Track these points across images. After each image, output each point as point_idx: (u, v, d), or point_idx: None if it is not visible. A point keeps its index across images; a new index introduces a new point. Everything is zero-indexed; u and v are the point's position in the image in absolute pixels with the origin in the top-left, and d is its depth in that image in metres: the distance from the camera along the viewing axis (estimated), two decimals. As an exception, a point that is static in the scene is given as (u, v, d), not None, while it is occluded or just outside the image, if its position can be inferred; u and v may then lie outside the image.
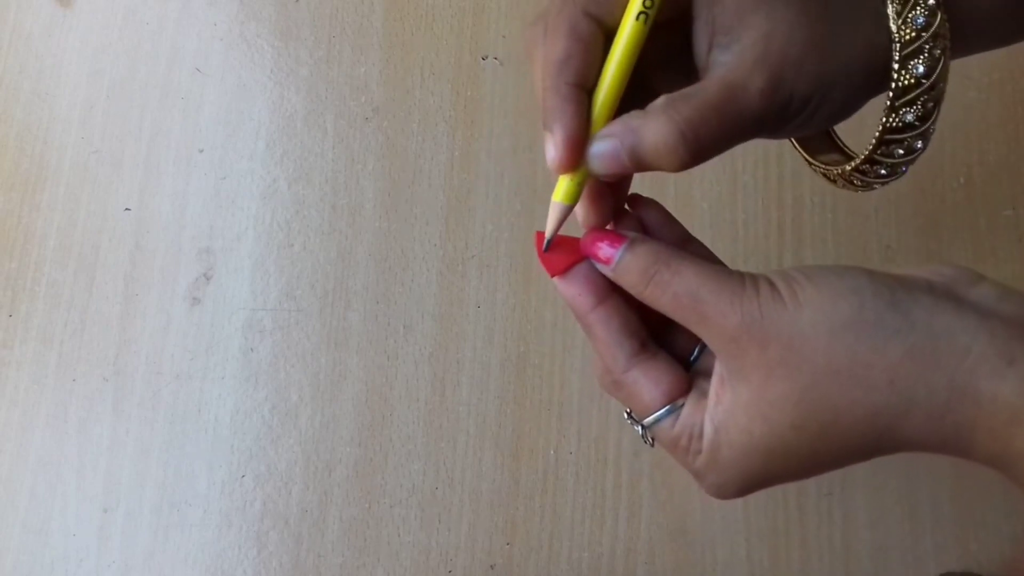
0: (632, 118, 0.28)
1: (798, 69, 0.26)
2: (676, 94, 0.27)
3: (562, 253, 0.29)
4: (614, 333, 0.28)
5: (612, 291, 0.29)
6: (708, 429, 0.27)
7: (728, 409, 0.26)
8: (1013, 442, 0.22)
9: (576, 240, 0.30)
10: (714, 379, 0.27)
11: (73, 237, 0.54)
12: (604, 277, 0.29)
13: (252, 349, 0.51)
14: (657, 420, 0.28)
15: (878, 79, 0.28)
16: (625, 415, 0.30)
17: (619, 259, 0.28)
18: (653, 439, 0.29)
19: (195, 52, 0.57)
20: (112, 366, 0.51)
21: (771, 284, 0.25)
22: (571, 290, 0.29)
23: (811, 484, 0.46)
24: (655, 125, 0.27)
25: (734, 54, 0.26)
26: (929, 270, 0.26)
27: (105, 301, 0.52)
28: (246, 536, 0.48)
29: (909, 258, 0.50)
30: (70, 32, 0.58)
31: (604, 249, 0.28)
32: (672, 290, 0.26)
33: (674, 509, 0.46)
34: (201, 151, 0.55)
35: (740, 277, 0.26)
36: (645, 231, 0.30)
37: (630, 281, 0.27)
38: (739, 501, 0.46)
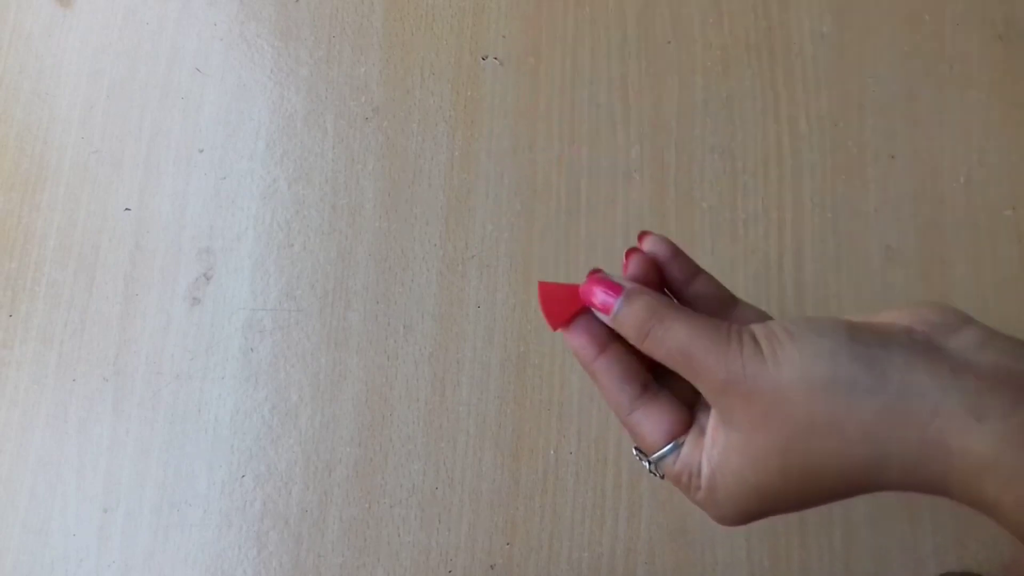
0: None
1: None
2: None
3: (562, 301, 0.31)
4: (616, 380, 0.30)
5: (613, 339, 0.30)
6: (705, 469, 0.29)
7: (722, 452, 0.28)
8: (985, 491, 0.24)
9: (575, 288, 0.31)
10: (711, 421, 0.29)
11: (73, 237, 0.54)
12: (604, 326, 0.30)
13: (252, 349, 0.51)
14: (661, 458, 0.30)
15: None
16: (634, 451, 0.32)
17: (617, 311, 0.29)
18: (662, 475, 0.31)
19: (195, 52, 0.57)
20: (112, 366, 0.51)
21: (754, 341, 0.27)
22: (575, 341, 0.30)
23: (811, 484, 0.46)
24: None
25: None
26: (914, 314, 0.27)
27: (105, 301, 0.52)
28: (246, 536, 0.48)
29: (909, 258, 0.50)
30: (70, 32, 0.58)
31: (602, 298, 0.30)
32: (666, 346, 0.28)
33: (674, 509, 0.46)
34: (201, 151, 0.55)
35: (727, 333, 0.27)
36: (655, 266, 0.32)
37: (628, 333, 0.29)
38: (739, 501, 0.46)
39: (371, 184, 0.53)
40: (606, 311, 0.30)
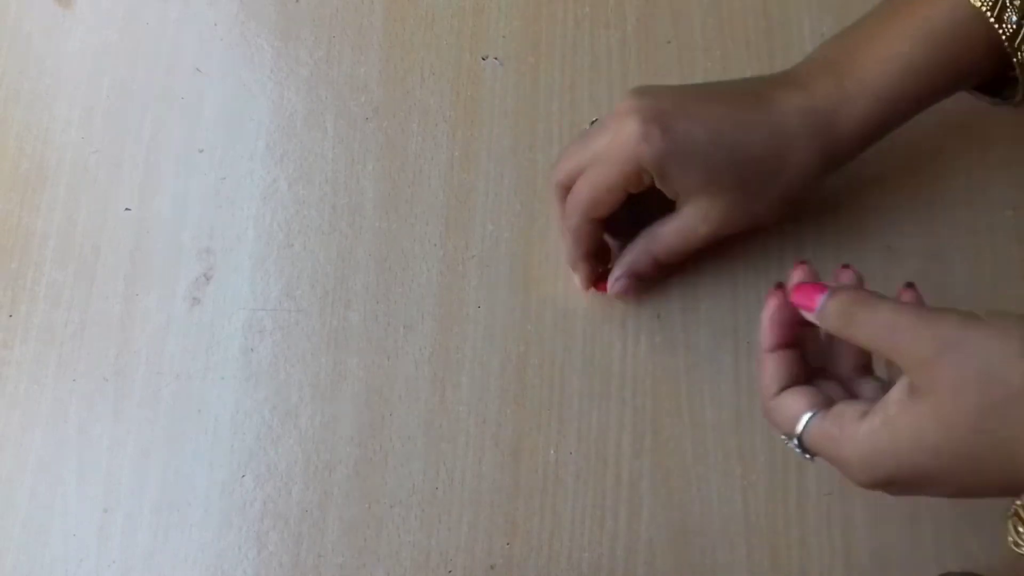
0: (628, 253, 0.46)
1: (732, 222, 0.43)
2: (649, 233, 0.45)
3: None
4: (779, 371, 0.35)
5: (789, 343, 0.36)
6: (875, 420, 0.30)
7: (903, 408, 0.29)
8: None
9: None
10: (898, 388, 0.30)
11: (73, 237, 0.54)
12: (790, 327, 0.35)
13: (252, 349, 0.51)
14: (807, 421, 0.33)
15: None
16: (781, 438, 0.35)
17: (822, 305, 0.32)
18: (809, 452, 0.34)
19: (195, 52, 0.57)
20: (112, 366, 0.51)
21: (965, 312, 0.28)
22: (768, 328, 0.36)
23: (811, 484, 0.46)
24: (644, 258, 0.45)
25: (686, 211, 0.43)
26: None
27: (105, 301, 0.52)
28: (246, 536, 0.48)
29: (909, 258, 0.50)
30: (70, 32, 0.58)
31: (810, 297, 0.33)
32: (868, 328, 0.30)
33: (674, 509, 0.47)
34: (201, 151, 0.55)
35: (934, 310, 0.29)
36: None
37: (832, 324, 0.32)
38: (739, 500, 0.46)
39: (371, 184, 0.53)
40: (812, 308, 0.33)
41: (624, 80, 0.54)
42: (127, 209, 0.54)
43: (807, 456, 0.35)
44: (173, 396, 0.50)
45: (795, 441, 0.34)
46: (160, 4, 0.58)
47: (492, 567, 0.47)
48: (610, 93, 0.54)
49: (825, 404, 0.33)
